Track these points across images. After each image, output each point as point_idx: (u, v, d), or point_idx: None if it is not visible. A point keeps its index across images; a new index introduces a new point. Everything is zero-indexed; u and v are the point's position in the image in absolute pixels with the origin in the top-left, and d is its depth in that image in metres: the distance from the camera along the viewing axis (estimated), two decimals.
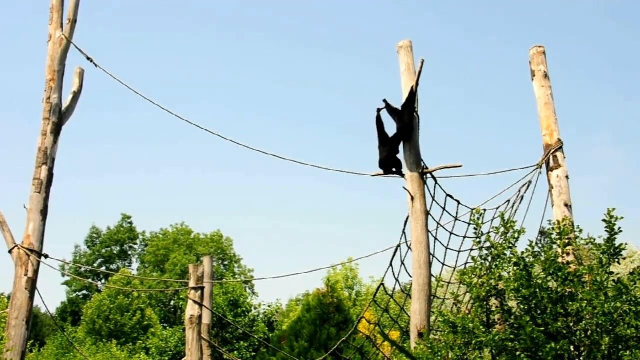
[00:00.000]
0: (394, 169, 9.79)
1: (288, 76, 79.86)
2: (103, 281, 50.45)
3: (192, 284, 10.94)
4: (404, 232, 9.92)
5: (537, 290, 6.26)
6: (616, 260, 6.52)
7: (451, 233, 10.17)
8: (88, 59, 11.51)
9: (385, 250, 10.65)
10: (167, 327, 41.27)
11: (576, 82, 71.21)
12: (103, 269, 54.19)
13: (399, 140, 9.63)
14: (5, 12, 76.28)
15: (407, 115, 9.50)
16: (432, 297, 9.35)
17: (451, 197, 9.90)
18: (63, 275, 49.53)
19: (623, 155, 68.24)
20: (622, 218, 6.52)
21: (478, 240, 7.01)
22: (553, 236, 6.91)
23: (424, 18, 76.09)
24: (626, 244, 6.86)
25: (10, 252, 10.79)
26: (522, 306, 6.43)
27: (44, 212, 10.92)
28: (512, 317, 6.52)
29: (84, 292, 53.38)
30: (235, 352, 28.73)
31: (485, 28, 78.74)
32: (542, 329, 6.13)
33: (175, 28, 79.89)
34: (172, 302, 51.06)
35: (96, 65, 11.49)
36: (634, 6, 72.25)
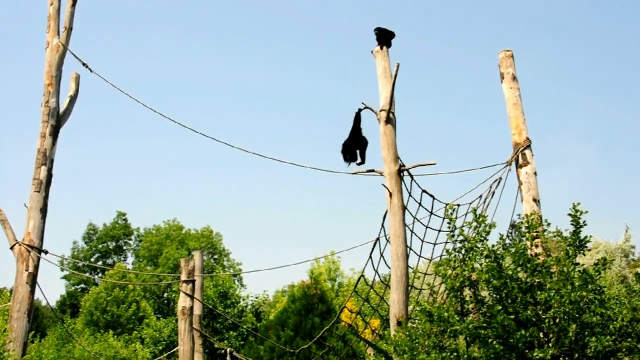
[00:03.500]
0: (349, 155, 10.00)
1: (275, 74, 79.70)
2: (100, 275, 50.15)
3: (183, 277, 10.92)
4: (382, 226, 9.96)
5: (508, 280, 6.28)
6: (582, 251, 6.55)
7: (427, 227, 10.21)
8: (83, 64, 11.47)
9: (366, 243, 10.71)
10: (161, 318, 41.00)
11: (544, 82, 71.50)
12: (100, 263, 53.80)
13: (363, 141, 9.90)
14: (5, 18, 75.65)
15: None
16: (409, 288, 9.38)
17: (426, 192, 9.94)
18: (62, 269, 49.17)
19: (589, 152, 68.61)
20: (587, 212, 6.54)
21: (452, 233, 7.03)
22: (522, 229, 6.94)
23: (399, 23, 76.21)
24: (591, 236, 6.89)
25: (11, 248, 10.74)
26: (493, 295, 6.45)
27: (43, 210, 10.87)
28: (485, 306, 6.55)
29: (82, 285, 52.96)
30: (225, 342, 28.62)
31: (457, 31, 78.90)
32: (513, 317, 6.15)
33: (171, 30, 79.51)
34: (165, 295, 50.84)
35: (91, 71, 11.46)
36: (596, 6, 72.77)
